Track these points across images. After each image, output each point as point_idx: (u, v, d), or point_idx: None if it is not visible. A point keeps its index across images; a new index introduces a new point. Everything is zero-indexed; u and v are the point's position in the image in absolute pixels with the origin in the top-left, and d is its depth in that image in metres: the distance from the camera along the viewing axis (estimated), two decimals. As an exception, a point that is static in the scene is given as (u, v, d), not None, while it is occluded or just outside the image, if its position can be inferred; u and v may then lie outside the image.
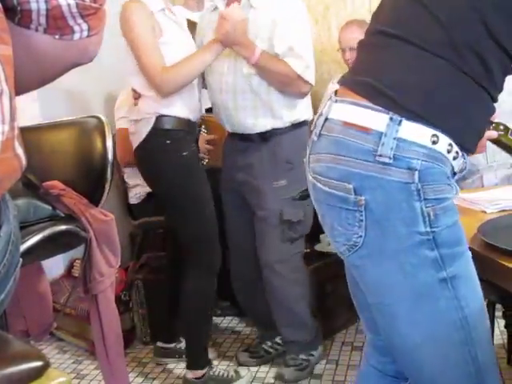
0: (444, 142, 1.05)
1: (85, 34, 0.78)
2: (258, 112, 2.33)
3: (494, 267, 1.16)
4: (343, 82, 1.18)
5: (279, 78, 2.29)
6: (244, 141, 2.41)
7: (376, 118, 1.05)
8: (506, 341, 2.39)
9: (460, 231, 1.09)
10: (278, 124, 2.36)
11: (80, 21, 0.75)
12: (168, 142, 2.24)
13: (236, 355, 2.66)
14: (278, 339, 2.63)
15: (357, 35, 2.52)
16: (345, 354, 2.65)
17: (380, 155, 1.03)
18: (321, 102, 3.01)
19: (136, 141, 2.29)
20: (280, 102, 2.34)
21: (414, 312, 1.09)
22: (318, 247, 2.91)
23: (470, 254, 1.10)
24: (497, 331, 2.49)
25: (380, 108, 1.05)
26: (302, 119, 2.41)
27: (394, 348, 1.18)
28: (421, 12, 1.08)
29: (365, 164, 1.04)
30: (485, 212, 1.52)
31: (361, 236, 1.08)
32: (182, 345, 2.63)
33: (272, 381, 2.47)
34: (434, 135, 1.04)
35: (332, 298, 2.78)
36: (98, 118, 1.83)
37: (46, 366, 1.00)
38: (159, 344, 2.71)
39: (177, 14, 2.32)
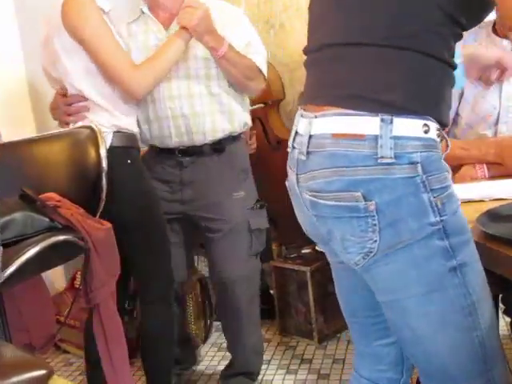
0: (433, 127, 1.08)
1: None
2: (216, 117, 2.22)
3: (494, 258, 1.15)
4: (310, 100, 1.17)
5: (244, 72, 2.18)
6: (190, 155, 2.25)
7: (367, 123, 1.05)
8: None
9: (463, 218, 1.11)
10: (236, 128, 2.28)
11: None
12: (129, 161, 2.02)
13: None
14: None
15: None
16: (351, 352, 2.64)
17: (381, 157, 1.04)
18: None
19: None
20: (237, 105, 2.27)
21: (424, 303, 1.10)
22: (319, 247, 2.90)
23: (473, 240, 1.12)
24: (502, 322, 2.47)
25: (367, 112, 1.06)
26: (249, 123, 2.37)
27: (404, 341, 1.19)
28: (369, 11, 1.09)
29: (368, 169, 1.05)
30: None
31: (375, 241, 1.08)
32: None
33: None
34: (424, 124, 1.07)
35: (335, 297, 2.76)
36: (91, 128, 1.83)
37: (50, 374, 1.00)
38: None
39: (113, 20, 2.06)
